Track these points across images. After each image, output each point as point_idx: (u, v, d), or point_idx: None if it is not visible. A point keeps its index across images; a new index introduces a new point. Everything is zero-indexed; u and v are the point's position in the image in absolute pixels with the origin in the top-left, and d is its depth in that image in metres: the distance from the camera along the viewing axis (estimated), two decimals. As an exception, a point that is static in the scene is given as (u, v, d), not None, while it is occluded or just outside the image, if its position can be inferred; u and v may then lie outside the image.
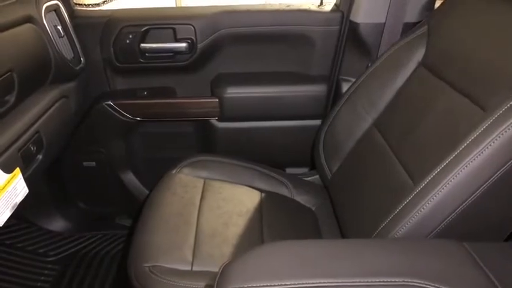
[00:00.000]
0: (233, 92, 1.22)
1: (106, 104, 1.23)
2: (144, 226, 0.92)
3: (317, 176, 1.18)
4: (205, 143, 1.33)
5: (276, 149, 1.31)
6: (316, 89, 1.23)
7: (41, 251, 1.36)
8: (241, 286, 0.48)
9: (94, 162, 1.36)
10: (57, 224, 1.44)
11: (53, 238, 1.41)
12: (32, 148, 0.86)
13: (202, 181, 1.07)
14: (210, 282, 0.75)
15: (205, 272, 0.79)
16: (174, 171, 1.09)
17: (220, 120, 1.27)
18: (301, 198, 1.10)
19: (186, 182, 1.05)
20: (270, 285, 0.48)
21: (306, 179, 1.20)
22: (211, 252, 0.84)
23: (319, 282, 0.48)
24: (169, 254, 0.82)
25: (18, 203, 0.79)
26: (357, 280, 0.48)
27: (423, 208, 0.63)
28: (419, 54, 0.91)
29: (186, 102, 1.25)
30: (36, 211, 1.42)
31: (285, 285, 0.48)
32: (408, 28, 1.03)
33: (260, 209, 0.99)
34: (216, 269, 0.77)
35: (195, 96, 1.26)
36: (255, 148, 1.29)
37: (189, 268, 0.81)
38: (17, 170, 0.79)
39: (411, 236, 0.65)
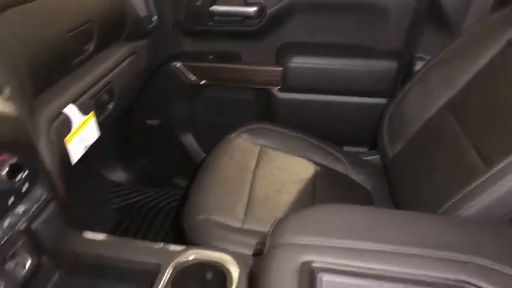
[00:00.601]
0: (298, 61, 1.19)
1: (174, 64, 1.26)
2: (200, 185, 0.95)
3: (376, 156, 1.13)
4: (265, 112, 1.33)
5: (336, 124, 1.28)
6: (387, 65, 1.16)
7: (104, 198, 1.47)
8: (293, 241, 0.48)
9: (157, 121, 1.42)
10: (119, 176, 1.54)
11: (115, 188, 1.51)
12: (104, 97, 0.91)
13: (258, 148, 1.07)
14: (261, 240, 0.76)
15: (255, 232, 0.81)
16: (232, 136, 1.11)
17: (281, 90, 1.25)
18: (357, 177, 1.07)
19: (243, 147, 1.07)
20: (321, 243, 0.47)
21: (364, 158, 1.16)
22: (262, 215, 0.85)
23: (372, 246, 0.46)
24: (222, 211, 0.85)
25: (90, 144, 0.85)
26: (414, 250, 0.45)
27: (495, 191, 0.58)
28: (509, 32, 0.82)
29: (250, 69, 1.25)
30: (102, 162, 1.53)
31: (337, 244, 0.47)
32: (500, 3, 0.93)
33: (314, 181, 0.98)
34: (265, 230, 0.78)
35: (259, 63, 1.25)
36: (314, 122, 1.26)
37: (240, 226, 0.83)
38: (92, 113, 0.85)
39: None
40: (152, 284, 0.60)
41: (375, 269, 0.44)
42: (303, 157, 1.07)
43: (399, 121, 1.01)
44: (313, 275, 0.45)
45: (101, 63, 0.91)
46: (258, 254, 0.69)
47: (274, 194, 0.91)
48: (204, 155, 1.44)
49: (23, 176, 0.54)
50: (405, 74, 1.16)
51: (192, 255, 0.63)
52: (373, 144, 1.17)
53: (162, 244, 0.67)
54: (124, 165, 1.55)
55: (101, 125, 0.91)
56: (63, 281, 0.69)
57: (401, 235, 0.48)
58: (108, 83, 0.93)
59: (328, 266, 0.45)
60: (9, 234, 0.54)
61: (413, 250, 0.45)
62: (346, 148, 1.29)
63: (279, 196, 0.91)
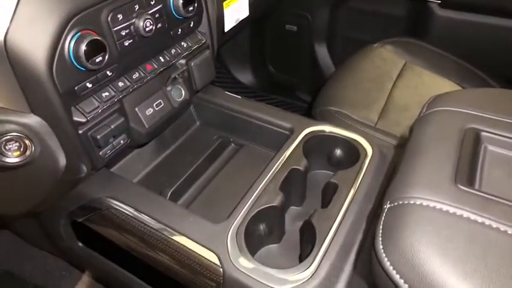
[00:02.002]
0: None
1: None
2: (335, 80, 0.92)
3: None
4: (416, 30, 1.19)
5: (503, 54, 1.08)
6: None
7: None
8: (457, 108, 0.43)
9: (296, 27, 1.39)
10: (248, 78, 1.59)
11: (242, 88, 1.58)
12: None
13: (403, 62, 0.98)
14: (399, 142, 0.71)
15: (387, 132, 0.76)
16: (375, 45, 1.03)
17: (442, 5, 1.09)
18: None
19: (386, 57, 0.98)
20: (488, 115, 0.43)
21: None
22: (397, 120, 0.80)
23: None
24: (356, 107, 0.82)
25: (240, 20, 0.87)
26: None
27: None
28: None
29: None
30: (235, 62, 1.59)
31: (504, 118, 0.43)
32: None
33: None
34: (399, 134, 0.72)
35: None
36: (476, 48, 1.08)
37: (372, 125, 0.79)
38: (246, -12, 0.85)
39: None
40: (281, 147, 0.61)
41: None
42: (454, 82, 0.94)
43: None
44: (478, 142, 0.41)
45: None
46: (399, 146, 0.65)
47: (414, 105, 0.84)
48: (334, 70, 1.38)
49: (194, 8, 0.57)
50: None
51: (328, 129, 0.62)
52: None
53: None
54: (254, 69, 1.59)
55: (251, 6, 0.92)
56: (200, 130, 0.75)
57: None
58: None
59: (495, 137, 0.41)
60: (172, 61, 0.59)
61: None
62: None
63: (420, 107, 0.83)
